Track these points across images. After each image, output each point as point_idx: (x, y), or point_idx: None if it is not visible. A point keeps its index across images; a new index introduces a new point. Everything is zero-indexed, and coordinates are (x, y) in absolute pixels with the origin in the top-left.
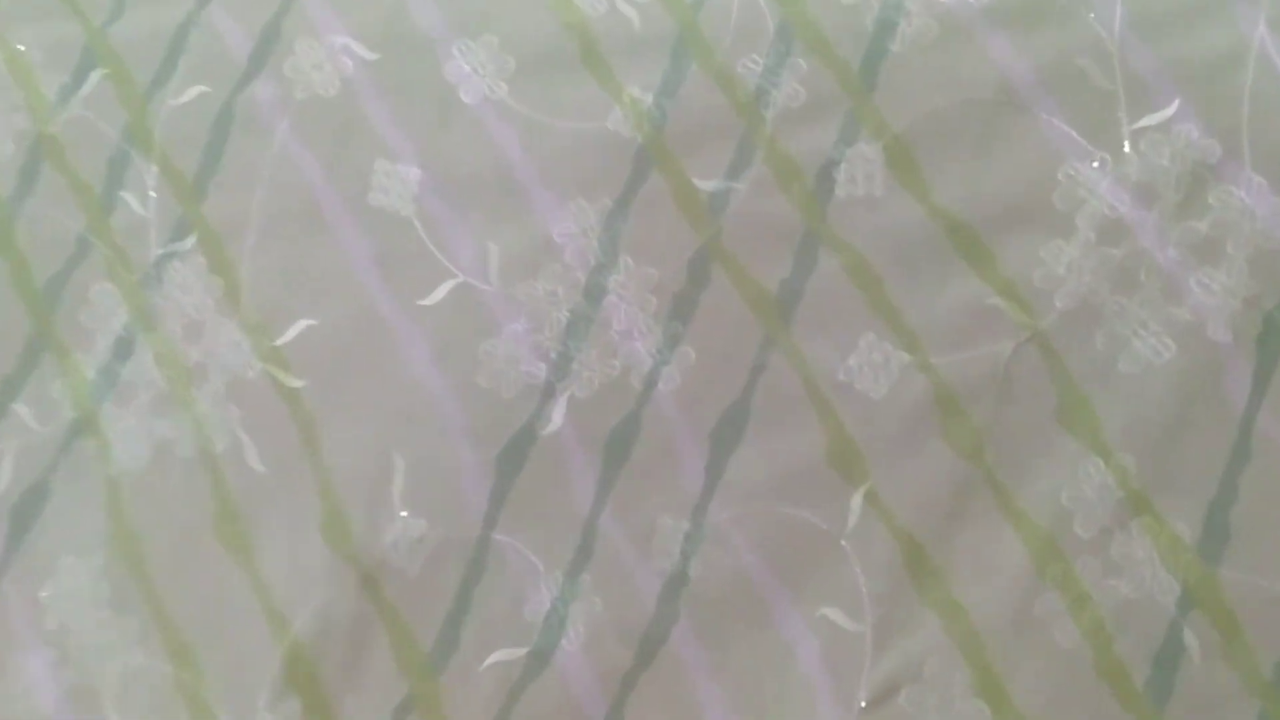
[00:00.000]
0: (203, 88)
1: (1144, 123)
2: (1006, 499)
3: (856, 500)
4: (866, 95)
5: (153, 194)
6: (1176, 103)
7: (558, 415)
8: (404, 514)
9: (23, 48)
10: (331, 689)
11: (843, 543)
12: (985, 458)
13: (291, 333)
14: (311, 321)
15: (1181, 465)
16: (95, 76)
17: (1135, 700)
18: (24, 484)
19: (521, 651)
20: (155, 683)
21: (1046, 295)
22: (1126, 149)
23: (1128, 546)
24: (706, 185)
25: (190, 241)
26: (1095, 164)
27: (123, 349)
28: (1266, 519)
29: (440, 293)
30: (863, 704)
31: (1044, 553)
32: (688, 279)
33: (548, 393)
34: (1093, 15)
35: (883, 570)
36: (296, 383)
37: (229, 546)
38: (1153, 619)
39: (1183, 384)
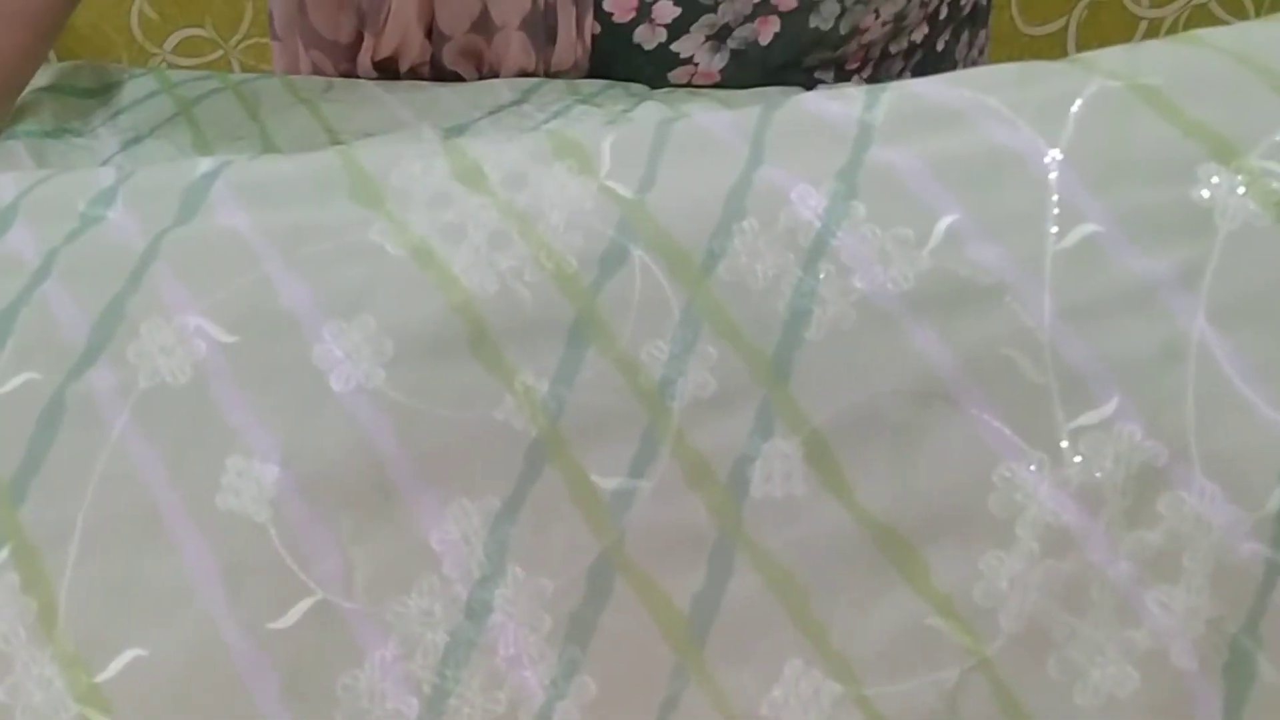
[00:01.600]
0: (31, 375)
1: (1082, 421)
2: None
3: None
4: (781, 386)
5: None
6: (1116, 400)
7: None
8: None
9: None
10: None
11: None
12: None
13: (114, 666)
14: (140, 652)
15: None
16: None
17: None
18: None
19: None
20: None
21: (989, 614)
22: (1065, 449)
23: None
24: (608, 483)
25: (3, 555)
26: (1033, 466)
27: None
28: None
29: (295, 614)
30: None
31: None
32: (586, 593)
33: None
34: (1017, 304)
35: None
36: None
37: None
38: None
39: None
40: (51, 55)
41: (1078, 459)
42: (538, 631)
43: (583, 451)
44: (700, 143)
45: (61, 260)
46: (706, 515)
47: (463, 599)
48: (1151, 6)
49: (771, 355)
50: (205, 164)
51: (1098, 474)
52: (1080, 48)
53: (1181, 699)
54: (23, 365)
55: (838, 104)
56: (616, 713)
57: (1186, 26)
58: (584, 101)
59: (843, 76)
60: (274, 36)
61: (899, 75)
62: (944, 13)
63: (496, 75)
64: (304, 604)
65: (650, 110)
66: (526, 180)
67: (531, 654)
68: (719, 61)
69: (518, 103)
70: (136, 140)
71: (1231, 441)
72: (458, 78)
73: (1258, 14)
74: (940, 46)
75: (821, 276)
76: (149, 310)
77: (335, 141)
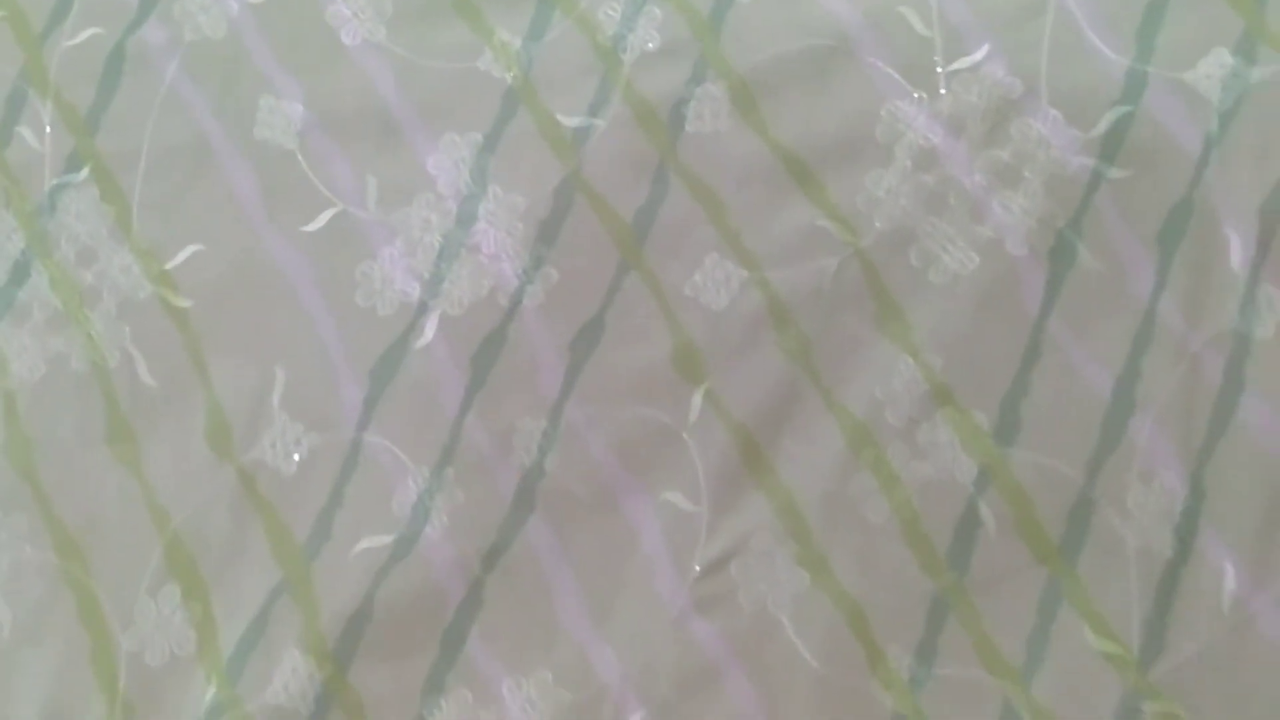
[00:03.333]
0: (96, 29)
1: (957, 65)
2: (829, 395)
3: (697, 398)
4: (714, 40)
5: (48, 129)
6: (986, 47)
7: (430, 330)
8: (282, 418)
9: None
10: (209, 575)
11: (684, 435)
12: (812, 360)
13: (180, 257)
14: (199, 247)
15: (981, 362)
16: None
17: (938, 567)
18: None
19: (388, 538)
20: (43, 574)
21: (867, 217)
22: (942, 90)
23: (932, 434)
24: (570, 122)
25: (84, 173)
26: (913, 101)
27: (19, 273)
28: (1053, 409)
29: (321, 220)
30: (696, 571)
31: (859, 440)
32: (552, 207)
33: (421, 310)
34: None
35: (719, 458)
36: (185, 303)
37: (117, 452)
38: (953, 496)
39: (984, 292)
40: None
41: (949, 95)
42: (513, 236)
43: (549, 96)
44: None
45: None
46: (649, 146)
47: (453, 211)
48: None
49: (708, 14)
50: None
51: (964, 106)
52: None
53: (1011, 276)
54: (88, 22)
55: None
56: (573, 292)
57: None
58: None
59: None
60: None
61: None
62: None
63: None
64: (328, 213)
65: None
66: None
67: (508, 252)
68: None
69: None
70: None
71: (1075, 77)
72: None
73: None
74: None
75: None
76: None
77: None
